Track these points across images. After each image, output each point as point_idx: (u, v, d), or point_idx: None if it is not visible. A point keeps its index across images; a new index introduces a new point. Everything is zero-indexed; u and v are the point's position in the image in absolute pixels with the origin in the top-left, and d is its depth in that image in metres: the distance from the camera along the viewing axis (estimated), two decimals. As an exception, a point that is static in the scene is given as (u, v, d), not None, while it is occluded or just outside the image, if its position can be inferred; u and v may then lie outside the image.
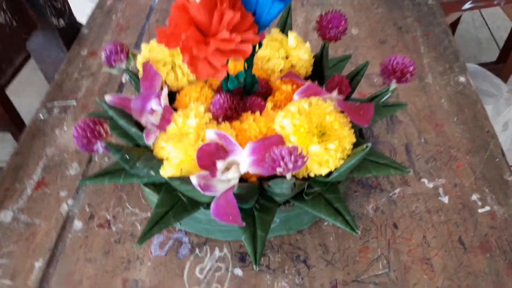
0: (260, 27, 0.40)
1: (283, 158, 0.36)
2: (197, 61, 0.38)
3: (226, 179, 0.41)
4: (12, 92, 0.81)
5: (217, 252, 0.46)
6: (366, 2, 0.80)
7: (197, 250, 0.46)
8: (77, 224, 0.49)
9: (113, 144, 0.41)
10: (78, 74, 0.71)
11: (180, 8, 0.38)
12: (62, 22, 0.78)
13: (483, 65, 1.55)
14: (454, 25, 1.83)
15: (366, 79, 0.64)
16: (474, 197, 0.49)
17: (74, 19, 0.83)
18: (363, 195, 0.50)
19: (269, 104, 0.47)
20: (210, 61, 0.38)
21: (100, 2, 0.87)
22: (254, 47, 0.44)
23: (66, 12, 0.80)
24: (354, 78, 0.50)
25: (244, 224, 0.39)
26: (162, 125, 0.46)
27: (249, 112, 0.46)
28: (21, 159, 0.57)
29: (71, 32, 0.81)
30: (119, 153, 0.41)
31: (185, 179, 0.40)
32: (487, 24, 2.01)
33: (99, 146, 0.40)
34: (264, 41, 0.53)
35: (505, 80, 1.69)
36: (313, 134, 0.42)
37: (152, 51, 0.52)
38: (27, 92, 1.74)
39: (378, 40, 0.72)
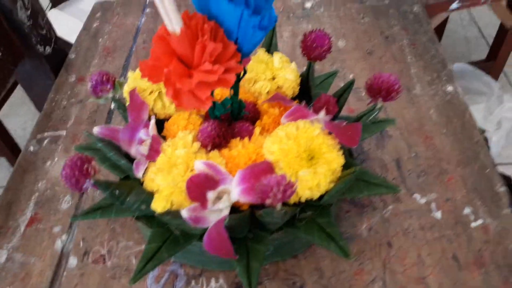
0: (243, 54, 0.40)
1: (271, 189, 0.36)
2: (181, 95, 0.38)
3: (218, 209, 0.41)
4: (5, 113, 0.80)
5: (213, 283, 0.46)
6: (352, 13, 0.80)
7: (193, 282, 0.46)
8: (72, 261, 0.49)
9: (102, 182, 0.40)
10: (67, 101, 0.71)
11: (161, 40, 0.38)
12: (48, 49, 0.78)
13: (473, 63, 1.56)
14: (442, 25, 1.84)
15: (354, 93, 0.64)
16: (467, 210, 0.49)
17: (61, 44, 0.83)
18: (356, 214, 0.50)
19: (257, 129, 0.47)
20: (194, 93, 0.38)
21: (86, 25, 0.87)
22: (238, 74, 0.44)
23: (52, 39, 0.80)
24: (341, 96, 0.50)
25: (237, 257, 0.39)
26: (151, 155, 0.46)
27: (238, 138, 0.46)
28: (13, 194, 0.57)
29: (58, 58, 0.81)
30: (108, 190, 0.41)
31: (176, 214, 0.40)
32: (475, 22, 2.02)
33: (88, 184, 0.40)
34: (250, 63, 0.53)
35: (495, 77, 1.69)
36: (302, 158, 0.42)
37: (137, 80, 0.52)
38: (20, 112, 1.73)
39: (365, 51, 0.72)
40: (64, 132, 0.65)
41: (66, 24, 1.25)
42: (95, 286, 0.46)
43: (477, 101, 1.51)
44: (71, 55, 0.80)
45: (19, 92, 0.86)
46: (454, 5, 1.37)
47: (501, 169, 1.49)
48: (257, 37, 0.38)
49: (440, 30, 1.85)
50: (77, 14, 1.30)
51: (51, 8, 1.33)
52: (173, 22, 0.33)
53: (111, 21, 0.87)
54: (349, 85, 0.50)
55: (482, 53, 1.81)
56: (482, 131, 1.44)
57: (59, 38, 1.05)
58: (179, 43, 0.36)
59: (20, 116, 1.73)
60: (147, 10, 0.88)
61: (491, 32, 1.89)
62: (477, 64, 1.57)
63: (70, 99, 0.71)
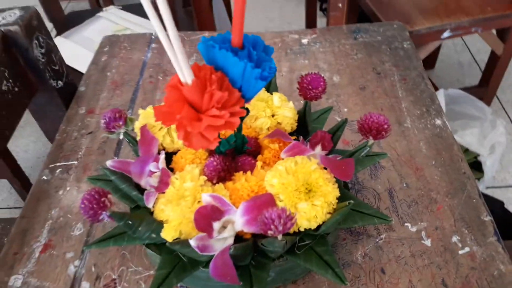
0: (246, 100, 0.45)
1: (273, 222, 0.40)
2: (191, 136, 0.42)
3: (223, 237, 0.45)
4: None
5: (218, 307, 0.49)
6: (346, 49, 0.85)
7: (199, 306, 0.49)
8: (85, 285, 0.52)
9: (117, 213, 0.44)
10: (78, 133, 0.75)
11: (174, 89, 0.42)
12: (60, 82, 0.83)
13: (466, 89, 1.61)
14: (436, 51, 1.90)
15: (348, 126, 0.69)
16: (454, 238, 0.53)
17: (71, 76, 0.87)
18: (352, 242, 0.54)
19: (259, 163, 0.51)
20: (203, 135, 0.42)
21: (95, 59, 0.92)
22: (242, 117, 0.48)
23: (63, 73, 0.84)
24: (335, 134, 0.55)
25: (241, 283, 0.42)
26: (161, 187, 0.50)
27: (241, 172, 0.50)
28: (27, 222, 0.60)
29: (69, 90, 0.85)
30: (122, 220, 0.45)
31: (185, 243, 0.43)
32: (468, 48, 2.09)
33: (105, 216, 0.44)
34: (252, 101, 0.57)
35: (488, 102, 1.74)
36: (300, 191, 0.46)
37: (148, 117, 0.56)
38: (23, 134, 1.77)
39: (358, 86, 0.76)
40: (75, 162, 0.69)
41: (71, 51, 1.30)
42: (108, 311, 0.50)
43: (471, 126, 1.56)
44: (81, 88, 0.84)
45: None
46: (446, 34, 1.43)
47: (496, 192, 1.52)
48: (259, 85, 0.43)
49: (434, 55, 1.92)
50: (81, 41, 1.35)
51: (56, 35, 1.39)
52: (185, 74, 0.38)
53: (118, 55, 0.91)
54: (343, 124, 0.54)
55: (475, 77, 1.87)
56: (477, 155, 1.49)
57: (69, 67, 1.10)
58: (190, 92, 0.40)
59: (22, 138, 1.77)
60: (153, 45, 0.93)
61: (483, 57, 1.95)
62: (471, 89, 1.62)
63: (80, 130, 0.75)
